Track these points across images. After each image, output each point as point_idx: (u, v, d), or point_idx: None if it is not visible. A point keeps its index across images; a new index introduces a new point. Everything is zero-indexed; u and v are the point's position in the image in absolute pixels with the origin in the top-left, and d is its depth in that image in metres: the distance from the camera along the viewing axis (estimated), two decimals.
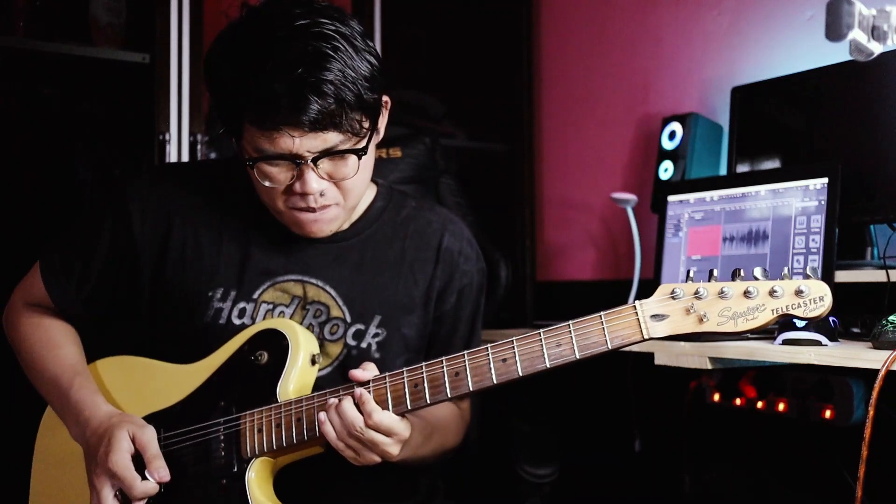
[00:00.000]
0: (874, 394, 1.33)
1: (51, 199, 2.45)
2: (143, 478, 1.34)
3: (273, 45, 1.28)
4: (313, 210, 1.38)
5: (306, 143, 1.30)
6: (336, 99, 1.28)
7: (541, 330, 1.24)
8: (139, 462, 1.35)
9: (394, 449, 1.31)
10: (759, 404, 2.01)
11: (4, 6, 2.30)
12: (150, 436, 1.36)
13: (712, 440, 2.28)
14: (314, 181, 1.34)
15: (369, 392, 1.30)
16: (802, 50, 2.25)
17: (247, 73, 1.29)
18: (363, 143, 1.36)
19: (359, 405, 1.29)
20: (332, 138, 1.31)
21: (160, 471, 1.34)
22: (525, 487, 2.69)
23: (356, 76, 1.30)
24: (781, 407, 1.97)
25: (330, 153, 1.33)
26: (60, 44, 2.30)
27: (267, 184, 1.35)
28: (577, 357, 1.22)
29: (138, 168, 2.40)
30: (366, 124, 1.35)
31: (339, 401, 1.30)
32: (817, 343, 1.50)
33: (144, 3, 2.35)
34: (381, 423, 1.28)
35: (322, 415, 1.30)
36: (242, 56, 1.31)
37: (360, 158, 1.37)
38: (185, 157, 2.32)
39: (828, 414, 1.85)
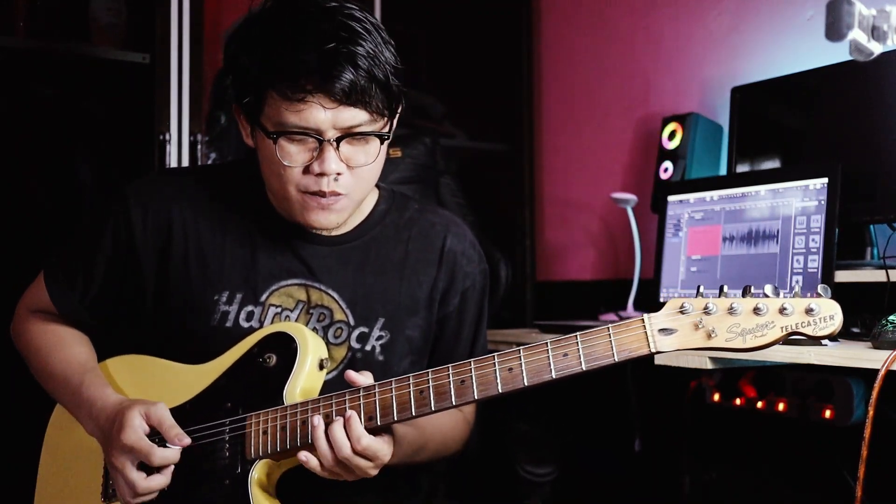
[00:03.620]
0: (874, 394, 1.33)
1: (51, 200, 2.45)
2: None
3: (305, 21, 1.30)
4: (324, 194, 1.37)
5: (333, 117, 1.30)
6: (368, 73, 1.29)
7: (548, 340, 1.24)
8: (157, 440, 1.36)
9: (372, 472, 1.32)
10: (759, 404, 2.01)
11: (4, 6, 2.30)
12: (162, 410, 1.37)
13: (712, 440, 2.28)
14: (333, 161, 1.33)
15: (374, 398, 1.30)
16: (802, 50, 2.25)
17: (278, 44, 1.30)
18: (385, 129, 1.37)
19: (346, 426, 1.29)
20: (358, 116, 1.32)
21: (180, 436, 1.35)
22: (525, 487, 2.68)
23: (385, 59, 1.32)
24: (781, 407, 1.97)
25: (353, 133, 1.33)
26: (60, 44, 2.30)
27: (286, 162, 1.34)
28: (584, 369, 1.21)
29: (139, 169, 2.40)
30: (387, 110, 1.35)
31: (327, 426, 1.29)
32: (817, 343, 1.50)
33: (144, 3, 2.36)
34: (367, 449, 1.28)
35: (304, 455, 1.30)
36: (273, 31, 1.32)
37: (381, 143, 1.37)
38: (186, 157, 2.32)
39: (828, 414, 1.85)
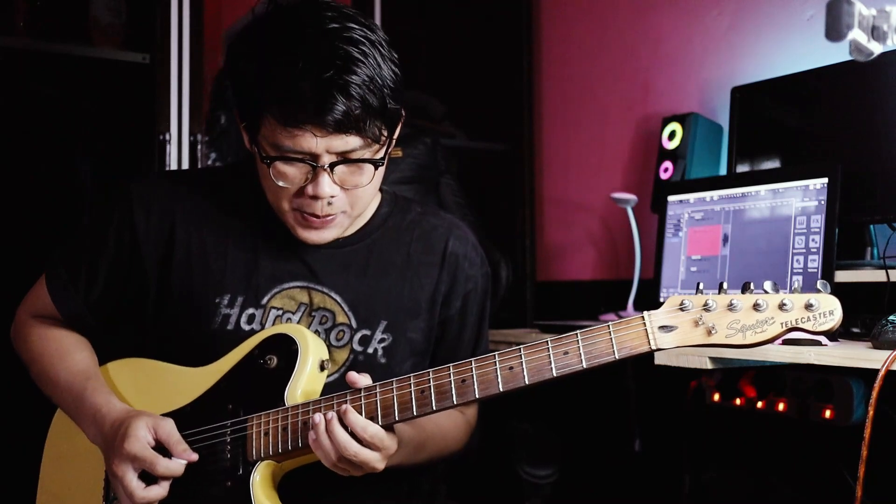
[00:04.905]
0: (874, 394, 1.33)
1: (51, 200, 2.45)
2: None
3: (303, 43, 1.29)
4: (318, 216, 1.38)
5: (327, 144, 1.30)
6: (362, 103, 1.28)
7: (548, 338, 1.24)
8: (161, 454, 1.35)
9: (379, 465, 1.31)
10: (759, 404, 2.01)
11: (4, 6, 2.30)
12: (170, 426, 1.37)
13: (712, 440, 2.28)
14: (327, 185, 1.34)
15: (375, 397, 1.30)
16: (802, 50, 2.25)
17: (274, 68, 1.29)
18: (381, 154, 1.37)
19: (344, 420, 1.28)
20: (352, 142, 1.31)
21: (187, 452, 1.35)
22: (525, 488, 2.69)
23: (382, 83, 1.31)
24: (781, 407, 1.96)
25: (348, 160, 1.33)
26: (60, 44, 2.30)
27: (281, 183, 1.35)
28: (585, 367, 1.21)
29: (139, 169, 2.40)
30: (385, 133, 1.35)
31: (328, 422, 1.29)
32: (817, 343, 1.50)
33: (144, 3, 2.36)
34: (374, 437, 1.28)
35: (313, 436, 1.30)
36: (271, 51, 1.31)
37: (376, 169, 1.37)
38: (186, 158, 2.32)
39: (828, 414, 1.85)
